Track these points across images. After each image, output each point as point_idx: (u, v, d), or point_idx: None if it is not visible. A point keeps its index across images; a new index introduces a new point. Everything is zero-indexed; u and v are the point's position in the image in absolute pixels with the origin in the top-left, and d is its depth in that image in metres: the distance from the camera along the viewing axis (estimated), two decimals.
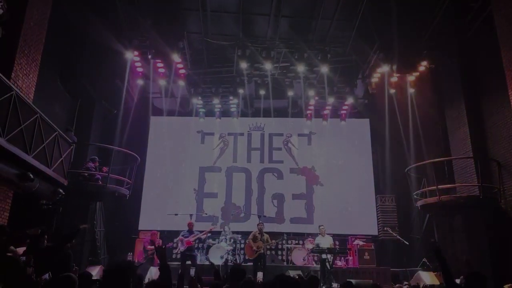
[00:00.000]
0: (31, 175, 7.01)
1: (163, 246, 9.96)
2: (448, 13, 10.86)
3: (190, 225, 10.63)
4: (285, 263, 12.31)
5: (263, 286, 3.69)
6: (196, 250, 11.03)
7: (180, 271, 9.72)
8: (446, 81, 12.04)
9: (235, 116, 14.73)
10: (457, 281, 8.76)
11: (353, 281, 6.34)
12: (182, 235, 10.38)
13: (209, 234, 11.42)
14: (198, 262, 10.71)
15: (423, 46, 11.43)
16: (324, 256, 10.09)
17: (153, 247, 10.41)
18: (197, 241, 10.87)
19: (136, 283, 4.15)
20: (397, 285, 9.36)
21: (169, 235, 13.12)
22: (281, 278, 1.99)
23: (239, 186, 14.54)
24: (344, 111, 14.48)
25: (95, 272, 9.67)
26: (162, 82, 12.40)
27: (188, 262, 10.02)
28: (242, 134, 15.18)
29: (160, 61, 11.34)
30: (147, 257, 10.93)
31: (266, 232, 10.79)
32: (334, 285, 9.22)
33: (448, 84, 11.98)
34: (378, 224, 13.70)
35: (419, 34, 11.28)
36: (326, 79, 12.64)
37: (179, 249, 10.65)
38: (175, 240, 12.60)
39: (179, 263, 10.15)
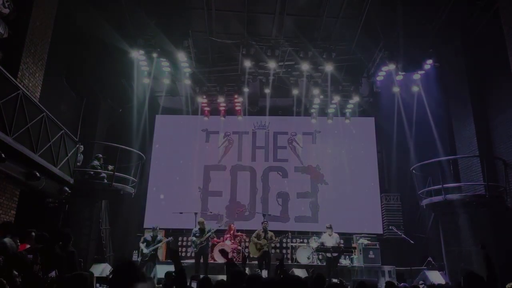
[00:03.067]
0: (37, 173, 7.07)
1: (175, 249, 10.05)
2: (454, 11, 10.78)
3: (202, 224, 10.71)
4: (289, 261, 12.32)
5: (268, 283, 3.68)
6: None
7: (195, 270, 10.03)
8: (452, 79, 11.97)
9: (240, 115, 14.74)
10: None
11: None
12: (195, 234, 10.49)
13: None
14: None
15: (429, 44, 11.36)
16: (329, 254, 10.09)
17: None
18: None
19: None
20: (402, 284, 9.32)
21: (174, 234, 13.17)
22: (288, 277, 1.98)
23: (244, 184, 14.56)
24: (349, 109, 14.44)
25: (101, 269, 9.73)
26: (167, 81, 12.44)
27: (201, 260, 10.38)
28: (247, 133, 15.19)
29: (165, 60, 11.37)
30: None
31: (270, 231, 10.84)
32: (335, 280, 9.16)
33: (454, 83, 11.91)
34: (383, 223, 13.67)
35: (425, 32, 11.22)
36: (331, 78, 12.60)
37: (192, 249, 10.75)
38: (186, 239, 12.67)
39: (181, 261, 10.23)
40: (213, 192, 14.44)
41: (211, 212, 13.32)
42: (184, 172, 14.56)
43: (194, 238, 10.42)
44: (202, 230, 10.50)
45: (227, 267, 4.10)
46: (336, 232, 10.90)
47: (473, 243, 10.00)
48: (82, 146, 10.13)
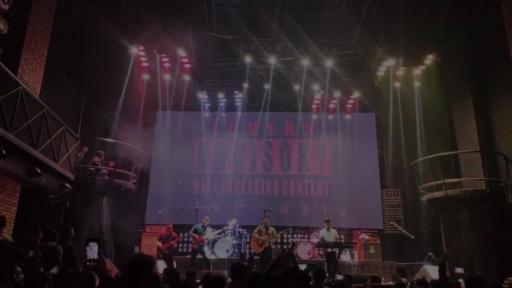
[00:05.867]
0: (38, 169, 7.06)
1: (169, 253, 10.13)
2: (455, 6, 10.75)
3: (206, 221, 10.87)
4: None
5: (269, 277, 3.69)
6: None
7: (189, 264, 10.00)
8: (453, 75, 11.94)
9: (240, 110, 14.72)
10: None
11: None
12: (196, 230, 10.59)
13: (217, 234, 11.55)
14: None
15: (430, 39, 11.32)
16: (329, 250, 10.11)
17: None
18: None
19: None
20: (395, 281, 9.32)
21: (175, 229, 13.18)
22: (291, 270, 1.96)
23: (245, 180, 14.55)
24: (350, 105, 14.42)
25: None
26: (167, 77, 12.41)
27: (199, 257, 10.50)
28: (247, 128, 15.17)
29: (165, 55, 11.35)
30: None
31: (271, 226, 10.86)
32: (339, 276, 9.22)
33: (455, 78, 11.89)
34: (383, 218, 13.67)
35: (426, 27, 11.19)
36: (330, 73, 12.55)
37: (192, 245, 10.81)
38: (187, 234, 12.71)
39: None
40: (214, 188, 14.43)
41: (212, 208, 13.32)
42: (185, 168, 14.55)
43: (196, 236, 10.50)
44: (205, 228, 10.65)
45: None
46: (337, 228, 10.92)
47: (473, 238, 10.02)
48: (86, 148, 10.14)
